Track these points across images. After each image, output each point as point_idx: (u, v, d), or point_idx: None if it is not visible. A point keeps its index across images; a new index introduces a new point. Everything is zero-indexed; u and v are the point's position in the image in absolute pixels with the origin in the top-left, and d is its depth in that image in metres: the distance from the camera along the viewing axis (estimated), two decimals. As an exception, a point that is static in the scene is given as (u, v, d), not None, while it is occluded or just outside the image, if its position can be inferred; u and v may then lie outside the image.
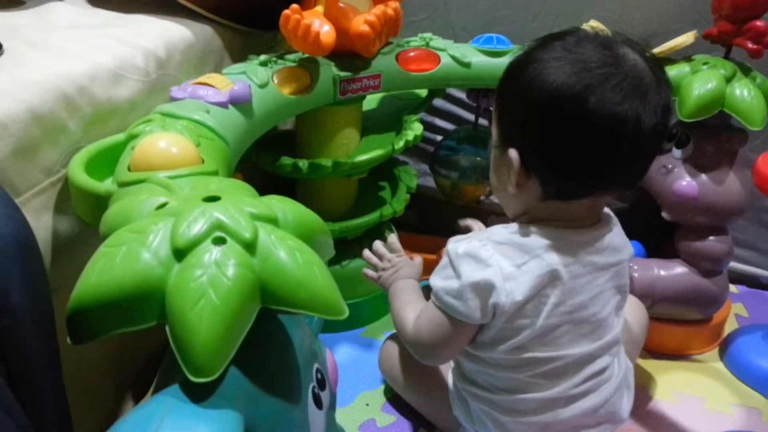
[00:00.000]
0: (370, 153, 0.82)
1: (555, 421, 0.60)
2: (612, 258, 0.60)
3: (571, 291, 0.57)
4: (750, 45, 0.79)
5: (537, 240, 0.56)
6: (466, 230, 0.76)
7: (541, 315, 0.56)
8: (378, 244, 0.76)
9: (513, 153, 0.55)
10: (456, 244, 0.57)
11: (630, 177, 0.57)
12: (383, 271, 0.73)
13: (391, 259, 0.74)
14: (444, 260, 0.59)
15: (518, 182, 0.56)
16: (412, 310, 0.64)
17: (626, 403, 0.65)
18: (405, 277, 0.71)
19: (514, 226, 0.58)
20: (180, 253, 0.34)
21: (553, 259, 0.56)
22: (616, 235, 0.61)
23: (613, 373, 0.63)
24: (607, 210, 0.62)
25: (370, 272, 0.75)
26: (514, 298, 0.55)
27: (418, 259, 0.75)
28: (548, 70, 0.52)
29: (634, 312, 0.76)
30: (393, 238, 0.77)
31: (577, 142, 0.52)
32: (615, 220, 0.63)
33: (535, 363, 0.58)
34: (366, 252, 0.76)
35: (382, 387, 0.81)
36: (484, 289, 0.55)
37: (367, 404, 0.79)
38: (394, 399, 0.79)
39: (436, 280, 0.59)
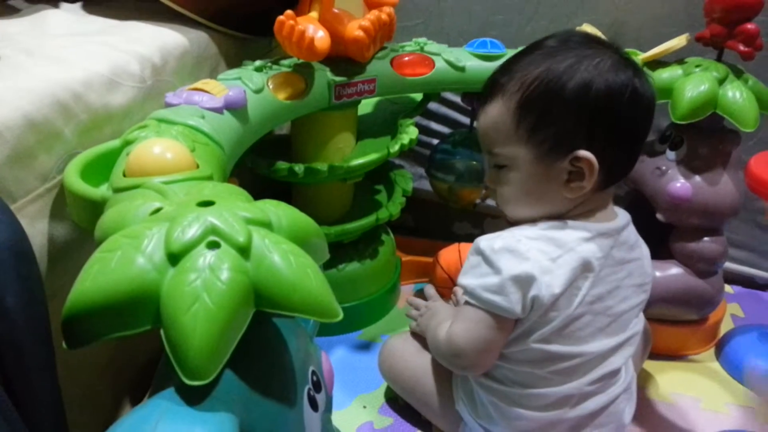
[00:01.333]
0: (366, 157, 0.82)
1: (561, 419, 0.61)
2: (629, 254, 0.62)
3: (594, 282, 0.58)
4: (742, 47, 0.79)
5: (569, 233, 0.58)
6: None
7: (571, 306, 0.57)
8: (412, 299, 0.78)
9: (587, 153, 0.57)
10: (490, 241, 0.58)
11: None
12: (421, 317, 0.74)
13: (428, 305, 0.75)
14: (475, 259, 0.59)
15: (588, 180, 0.58)
16: (443, 326, 0.64)
17: (629, 409, 0.66)
18: (442, 312, 0.71)
19: (542, 224, 0.59)
20: (174, 258, 0.34)
21: (587, 251, 0.58)
22: (632, 233, 0.63)
23: (621, 377, 0.63)
24: (617, 208, 0.64)
25: (413, 324, 0.76)
26: (552, 290, 0.56)
27: (459, 292, 0.71)
28: (585, 74, 0.56)
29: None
30: (428, 288, 0.79)
31: (635, 122, 0.58)
32: (629, 217, 0.64)
33: (557, 359, 0.59)
34: (408, 304, 0.78)
35: (379, 389, 0.81)
36: (525, 282, 0.56)
37: (365, 407, 0.79)
38: (391, 401, 0.79)
39: (469, 280, 0.59)
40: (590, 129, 0.57)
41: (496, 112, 0.60)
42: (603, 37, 0.86)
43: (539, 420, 0.61)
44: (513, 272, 0.56)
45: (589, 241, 0.58)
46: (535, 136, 0.58)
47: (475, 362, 0.61)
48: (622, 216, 0.63)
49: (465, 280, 0.60)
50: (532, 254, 0.56)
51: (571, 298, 0.57)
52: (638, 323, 0.64)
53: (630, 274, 0.62)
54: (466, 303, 0.60)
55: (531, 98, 0.57)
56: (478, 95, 0.93)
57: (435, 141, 1.04)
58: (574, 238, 0.58)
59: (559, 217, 0.60)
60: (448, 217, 1.17)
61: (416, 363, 0.73)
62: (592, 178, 0.57)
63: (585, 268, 0.57)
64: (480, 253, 0.59)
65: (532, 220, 0.61)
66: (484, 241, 0.59)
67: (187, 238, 0.35)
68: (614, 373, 0.62)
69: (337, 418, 0.76)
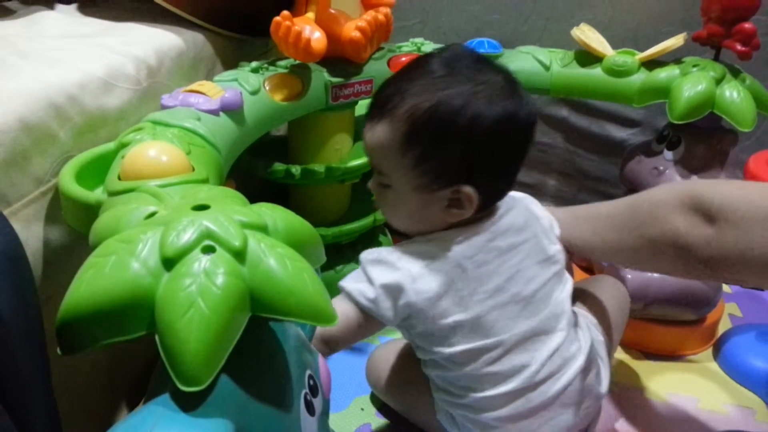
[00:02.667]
0: (363, 158, 0.82)
1: (529, 407, 0.61)
2: (518, 237, 0.63)
3: (480, 279, 0.60)
4: (739, 47, 0.79)
5: (440, 243, 0.60)
6: None
7: (461, 309, 0.59)
8: None
9: (469, 189, 0.58)
10: (367, 252, 0.61)
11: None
12: None
13: None
14: (358, 268, 0.62)
15: (469, 204, 0.59)
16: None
17: (604, 377, 0.67)
18: None
19: (416, 240, 0.62)
20: (169, 263, 0.34)
21: (457, 255, 0.59)
22: (517, 216, 0.64)
23: (576, 350, 0.64)
24: (513, 197, 0.66)
25: None
26: (424, 296, 0.58)
27: None
28: (475, 109, 0.56)
29: (610, 290, 0.76)
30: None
31: (516, 149, 0.60)
32: (511, 202, 0.65)
33: (475, 353, 0.60)
34: None
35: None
36: (395, 290, 0.58)
37: (362, 409, 0.79)
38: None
39: (348, 282, 0.61)
40: (474, 164, 0.58)
41: (383, 135, 0.59)
42: (599, 38, 0.86)
43: (511, 417, 0.62)
44: (382, 281, 0.58)
45: (460, 244, 0.60)
46: (420, 166, 0.59)
47: (335, 345, 0.63)
48: (503, 205, 0.64)
49: (343, 282, 0.62)
50: (402, 263, 0.59)
51: (456, 301, 0.59)
52: (561, 295, 0.65)
53: (527, 255, 0.63)
54: (342, 298, 0.61)
55: (420, 130, 0.57)
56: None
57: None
58: (444, 246, 0.60)
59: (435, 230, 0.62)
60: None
61: (400, 377, 0.73)
62: (471, 208, 0.60)
63: (458, 269, 0.59)
64: (359, 263, 0.62)
65: (420, 233, 0.63)
66: (364, 253, 0.62)
67: (182, 242, 0.35)
68: (558, 350, 0.62)
69: (334, 420, 0.76)
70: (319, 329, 0.62)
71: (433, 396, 0.69)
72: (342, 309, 0.60)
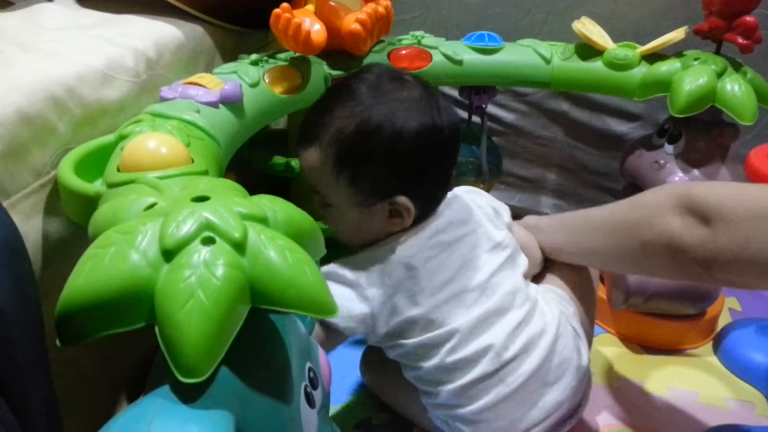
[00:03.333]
0: (363, 151, 0.81)
1: (508, 391, 0.62)
2: (460, 231, 0.65)
3: (428, 275, 0.62)
4: (740, 40, 0.79)
5: (384, 249, 0.63)
6: None
7: (412, 305, 0.62)
8: None
9: (403, 199, 0.62)
10: (326, 267, 0.64)
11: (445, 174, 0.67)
12: None
13: None
14: None
15: (396, 218, 0.63)
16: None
17: (582, 349, 0.67)
18: None
19: (356, 254, 0.65)
20: (169, 254, 0.34)
21: (401, 256, 0.62)
22: (458, 211, 0.67)
23: (543, 325, 0.65)
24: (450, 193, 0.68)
25: None
26: (376, 300, 0.62)
27: None
28: (396, 125, 0.60)
29: (569, 267, 0.76)
30: None
31: (442, 156, 0.64)
32: (453, 196, 0.68)
33: (433, 344, 0.62)
34: None
35: (377, 385, 0.81)
36: (350, 302, 0.62)
37: (363, 402, 0.79)
38: (389, 397, 0.79)
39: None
40: (403, 176, 0.62)
41: (315, 159, 0.63)
42: (600, 31, 0.86)
43: (494, 405, 0.62)
44: (334, 293, 0.60)
45: (402, 245, 0.63)
46: (354, 184, 0.62)
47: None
48: (442, 204, 0.66)
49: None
50: (353, 276, 0.62)
51: (408, 298, 0.62)
52: (513, 276, 0.67)
53: (475, 245, 0.65)
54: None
55: (347, 152, 0.61)
56: (476, 89, 0.93)
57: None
58: (388, 251, 0.63)
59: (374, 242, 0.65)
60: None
61: (392, 372, 0.72)
62: (410, 216, 0.63)
63: (407, 268, 0.62)
64: None
65: (364, 245, 0.65)
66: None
67: (182, 233, 0.34)
68: (522, 326, 0.63)
69: (335, 413, 0.76)
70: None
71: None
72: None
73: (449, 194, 0.68)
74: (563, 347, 0.65)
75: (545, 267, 0.75)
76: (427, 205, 0.65)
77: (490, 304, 0.63)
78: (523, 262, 0.69)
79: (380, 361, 0.75)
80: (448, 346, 0.62)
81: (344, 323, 0.62)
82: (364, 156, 0.61)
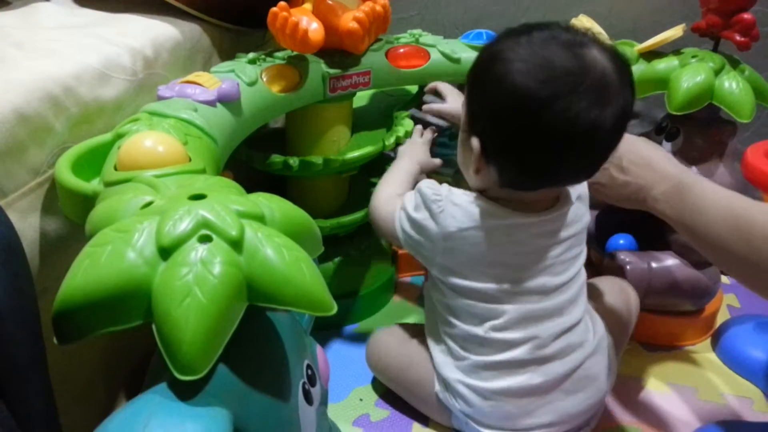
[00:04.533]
0: (361, 150, 0.81)
1: (531, 385, 0.63)
2: (565, 233, 0.64)
3: (516, 267, 0.62)
4: (738, 38, 0.79)
5: (486, 213, 0.61)
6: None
7: (484, 282, 0.62)
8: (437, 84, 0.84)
9: (475, 142, 0.59)
10: (425, 183, 0.64)
11: (583, 173, 0.61)
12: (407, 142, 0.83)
13: (414, 140, 0.83)
14: (416, 188, 0.66)
15: (478, 168, 0.61)
16: (390, 190, 0.73)
17: (609, 373, 0.68)
18: (414, 157, 0.79)
19: (474, 196, 0.62)
20: (165, 252, 0.34)
21: (498, 237, 0.61)
22: (572, 211, 0.64)
23: (584, 339, 0.65)
24: (571, 194, 0.65)
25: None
26: (447, 256, 0.62)
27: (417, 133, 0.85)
28: (515, 72, 0.54)
29: (619, 294, 0.77)
30: (442, 85, 0.85)
31: (534, 144, 0.55)
32: (574, 195, 0.65)
33: (488, 315, 0.63)
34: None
35: (375, 382, 0.81)
36: (425, 234, 0.63)
37: (361, 399, 0.79)
38: (387, 394, 0.79)
39: (406, 197, 0.67)
40: (485, 122, 0.58)
41: None
42: (598, 29, 0.86)
43: (512, 390, 0.63)
44: (420, 222, 0.63)
45: (500, 225, 0.61)
46: (469, 107, 0.61)
47: (379, 232, 0.72)
48: (563, 200, 0.64)
49: (406, 196, 0.67)
50: (442, 218, 0.62)
51: (490, 277, 0.62)
52: (579, 285, 0.66)
53: (567, 249, 0.64)
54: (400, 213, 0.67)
55: (473, 68, 0.60)
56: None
57: (431, 133, 1.03)
58: (486, 218, 0.61)
59: (492, 198, 0.62)
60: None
61: (401, 355, 0.74)
62: (474, 164, 0.60)
63: (489, 245, 0.61)
64: (417, 186, 0.65)
65: (476, 191, 0.64)
66: (424, 182, 0.65)
67: (179, 231, 0.35)
68: (570, 333, 0.64)
69: (333, 410, 0.76)
70: (372, 208, 0.72)
71: (431, 377, 0.69)
72: (391, 217, 0.68)
73: (573, 190, 0.65)
74: (592, 365, 0.66)
75: (592, 290, 0.74)
76: (517, 182, 0.60)
77: (551, 303, 0.63)
78: (584, 273, 0.68)
79: (387, 343, 0.76)
80: (494, 322, 0.62)
81: (411, 227, 0.65)
82: (471, 81, 0.60)
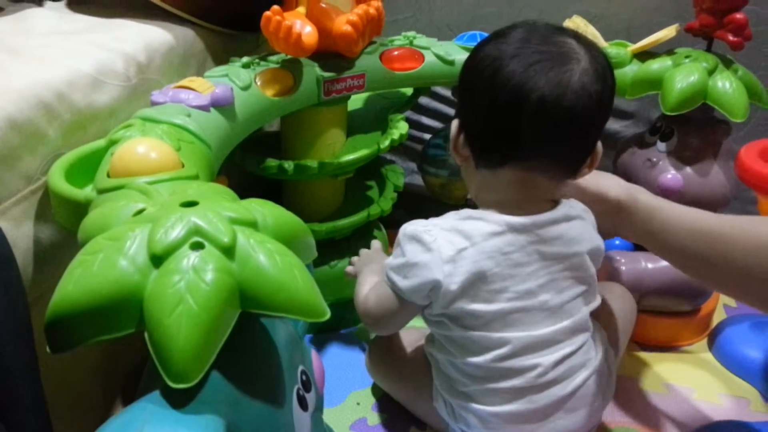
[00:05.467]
0: (356, 153, 0.81)
1: (532, 408, 0.61)
2: (565, 249, 0.61)
3: (513, 278, 0.59)
4: (731, 37, 0.79)
5: (479, 228, 0.59)
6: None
7: (485, 301, 0.59)
8: (363, 251, 0.79)
9: (454, 122, 0.62)
10: (407, 225, 0.62)
11: (554, 154, 0.58)
12: (358, 260, 0.77)
13: (365, 252, 0.78)
14: (397, 238, 0.63)
15: (455, 146, 0.62)
16: (368, 285, 0.67)
17: (608, 390, 0.67)
18: (377, 262, 0.73)
19: (463, 213, 0.61)
20: (157, 259, 0.34)
21: (492, 248, 0.58)
22: (575, 228, 0.62)
23: (586, 359, 0.64)
24: (573, 202, 0.64)
25: (350, 267, 0.77)
26: (452, 280, 0.58)
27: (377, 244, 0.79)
28: (484, 46, 0.58)
29: (619, 300, 0.76)
30: (375, 243, 0.80)
31: (486, 106, 0.57)
32: (580, 213, 0.63)
33: (491, 345, 0.60)
34: (353, 259, 0.79)
35: (373, 386, 0.81)
36: (422, 270, 0.58)
37: (358, 403, 0.79)
38: (385, 398, 0.79)
39: (390, 258, 0.64)
40: (460, 98, 0.62)
41: None
42: (592, 30, 0.86)
43: (511, 414, 0.62)
44: (413, 259, 0.59)
45: (497, 237, 0.58)
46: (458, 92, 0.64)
47: (379, 326, 0.67)
48: (562, 211, 0.61)
49: (389, 258, 0.64)
50: (437, 245, 0.58)
51: (481, 293, 0.59)
52: (584, 310, 0.64)
53: (568, 268, 0.62)
54: (386, 278, 0.63)
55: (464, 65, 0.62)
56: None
57: (426, 136, 1.04)
58: (481, 233, 0.58)
59: (483, 205, 0.62)
60: (440, 212, 1.16)
61: (400, 362, 0.73)
62: (452, 143, 0.62)
63: (491, 262, 0.58)
64: (398, 235, 0.63)
65: (473, 197, 0.65)
66: (405, 225, 0.62)
67: (171, 239, 0.35)
68: (569, 357, 0.62)
69: (330, 415, 0.76)
70: (360, 307, 0.66)
71: (432, 384, 0.69)
72: (382, 292, 0.63)
73: (579, 208, 0.64)
74: (593, 383, 0.64)
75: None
76: (484, 155, 0.60)
77: (553, 330, 0.61)
78: (597, 299, 0.66)
79: (388, 349, 0.76)
80: (496, 353, 0.60)
81: (416, 292, 0.60)
82: (462, 73, 0.61)
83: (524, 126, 0.55)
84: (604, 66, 0.56)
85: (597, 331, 0.68)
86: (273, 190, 0.91)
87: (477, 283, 0.58)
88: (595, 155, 0.60)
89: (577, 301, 0.63)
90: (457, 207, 1.01)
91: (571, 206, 0.63)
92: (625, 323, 0.75)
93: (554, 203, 0.62)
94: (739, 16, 0.78)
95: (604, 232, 0.66)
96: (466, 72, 0.60)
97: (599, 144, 0.60)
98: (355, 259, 0.78)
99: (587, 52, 0.55)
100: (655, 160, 0.85)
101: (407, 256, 0.59)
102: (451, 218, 0.61)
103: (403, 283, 0.60)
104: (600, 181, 0.65)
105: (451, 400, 0.66)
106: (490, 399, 0.62)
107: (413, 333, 0.76)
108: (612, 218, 0.64)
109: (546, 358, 0.61)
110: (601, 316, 0.72)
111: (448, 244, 0.58)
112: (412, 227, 0.60)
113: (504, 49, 0.56)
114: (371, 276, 0.69)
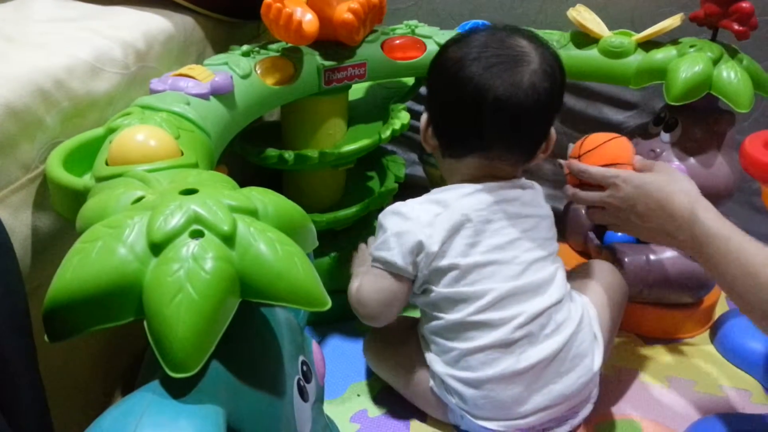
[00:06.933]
0: (357, 143, 0.81)
1: (518, 368, 0.63)
2: (526, 210, 0.67)
3: (483, 233, 0.65)
4: (736, 27, 0.78)
5: (450, 194, 0.66)
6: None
7: (461, 253, 0.64)
8: (361, 245, 0.80)
9: (423, 115, 0.69)
10: (386, 208, 0.68)
11: (508, 143, 0.66)
12: (356, 259, 0.78)
13: (361, 247, 0.79)
14: (378, 223, 0.68)
15: (425, 138, 0.70)
16: (358, 279, 0.70)
17: (596, 353, 0.68)
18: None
19: (435, 190, 0.68)
20: (157, 248, 0.34)
21: (464, 206, 0.65)
22: (528, 194, 0.69)
23: (566, 318, 0.66)
24: (530, 182, 0.71)
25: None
26: (433, 240, 0.63)
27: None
28: (446, 49, 0.67)
29: (603, 275, 0.76)
30: (372, 240, 0.80)
31: (451, 103, 0.65)
32: (532, 185, 0.71)
33: (471, 296, 0.64)
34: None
35: (373, 377, 0.81)
36: (406, 236, 0.64)
37: (359, 395, 0.79)
38: (385, 389, 0.79)
39: (373, 244, 0.68)
40: (429, 93, 0.70)
41: None
42: (596, 18, 0.85)
43: (498, 378, 0.63)
44: (395, 229, 0.65)
45: (467, 196, 0.65)
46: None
47: (376, 313, 0.68)
48: (522, 185, 0.69)
49: (373, 244, 0.69)
50: (415, 213, 0.65)
51: (456, 247, 0.64)
52: (554, 269, 0.68)
53: (532, 229, 0.67)
54: (372, 262, 0.67)
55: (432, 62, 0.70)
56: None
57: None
58: (453, 196, 0.65)
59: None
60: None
61: (397, 353, 0.74)
62: (425, 137, 0.70)
63: (463, 218, 0.64)
64: (379, 218, 0.68)
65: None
66: (383, 211, 0.68)
67: (170, 227, 0.34)
68: (543, 312, 0.64)
69: (330, 406, 0.76)
70: (353, 297, 0.68)
71: (427, 370, 0.69)
72: (372, 275, 0.67)
73: (531, 185, 0.70)
74: (581, 342, 0.66)
75: (577, 272, 0.77)
76: (450, 146, 0.68)
77: (529, 280, 0.65)
78: (562, 265, 0.70)
79: (384, 341, 0.76)
80: (477, 304, 0.64)
81: (402, 258, 0.64)
82: (429, 72, 0.69)
83: (484, 120, 0.63)
84: (553, 66, 0.64)
85: (577, 295, 0.71)
86: (273, 180, 0.91)
87: (453, 237, 0.64)
88: (548, 141, 0.69)
89: (546, 261, 0.67)
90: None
91: (530, 183, 0.71)
92: (612, 293, 0.75)
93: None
94: (744, 5, 0.77)
95: (661, 235, 0.67)
96: (433, 71, 0.68)
97: (552, 130, 0.69)
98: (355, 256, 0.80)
99: (539, 53, 0.63)
100: (658, 150, 0.85)
101: (389, 230, 0.65)
102: (423, 197, 0.67)
103: (389, 254, 0.64)
104: (666, 187, 0.66)
105: (444, 375, 0.67)
106: (477, 360, 0.64)
107: (407, 320, 0.77)
108: (669, 225, 0.65)
109: (524, 306, 0.64)
110: (586, 288, 0.74)
111: (425, 212, 0.65)
112: (389, 206, 0.67)
113: (466, 53, 0.63)
114: (361, 269, 0.72)
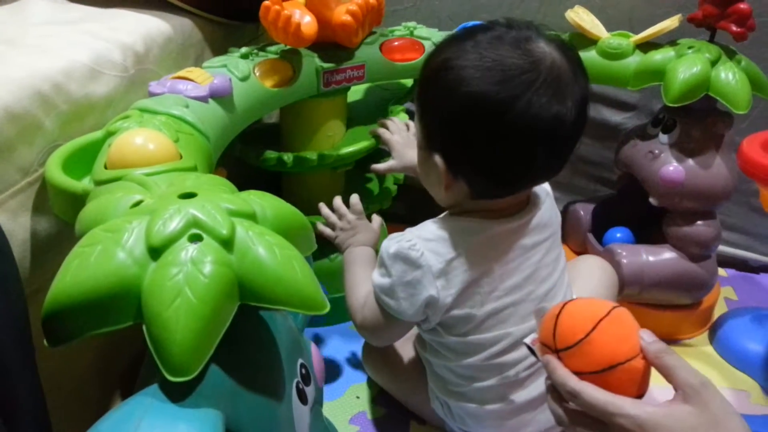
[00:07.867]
0: (356, 145, 0.81)
1: (529, 398, 0.62)
2: (540, 236, 0.61)
3: (502, 276, 0.59)
4: (734, 28, 0.78)
5: (465, 235, 0.58)
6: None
7: (478, 304, 0.58)
8: (338, 202, 0.74)
9: (438, 159, 0.56)
10: (388, 243, 0.59)
11: (552, 171, 0.58)
12: (341, 231, 0.72)
13: (350, 220, 0.72)
14: (379, 259, 0.61)
15: (447, 184, 0.57)
16: (363, 291, 0.65)
17: None
18: (362, 244, 0.70)
19: (442, 221, 0.59)
20: (155, 252, 0.34)
21: (482, 252, 0.58)
22: (545, 212, 0.62)
23: None
24: (541, 190, 0.63)
25: (327, 230, 0.73)
26: (447, 293, 0.57)
27: (377, 222, 0.74)
28: (467, 79, 0.52)
29: (595, 271, 0.76)
30: (355, 198, 0.75)
31: (500, 149, 0.53)
32: (543, 195, 0.63)
33: (486, 344, 0.60)
34: (324, 209, 0.74)
35: (372, 380, 0.81)
36: (416, 287, 0.57)
37: (358, 397, 0.79)
38: (384, 391, 0.79)
39: (374, 275, 0.61)
40: (444, 136, 0.55)
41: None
42: (594, 20, 0.85)
43: (509, 410, 0.62)
44: (403, 279, 0.58)
45: (485, 241, 0.58)
46: (422, 121, 0.58)
47: (380, 343, 0.68)
48: (533, 202, 0.61)
49: (373, 273, 0.62)
50: (425, 260, 0.57)
51: (474, 297, 0.58)
52: (564, 289, 0.64)
53: (546, 252, 0.61)
54: (376, 299, 0.62)
55: (421, 81, 0.57)
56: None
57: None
58: (469, 239, 0.58)
59: (463, 212, 0.60)
60: (439, 205, 1.16)
61: (393, 363, 0.73)
62: (443, 181, 0.57)
63: (483, 269, 0.58)
64: (380, 253, 0.60)
65: (447, 208, 0.62)
66: (386, 242, 0.60)
67: (169, 231, 0.34)
68: None
69: (330, 408, 0.76)
70: (357, 320, 0.65)
71: (427, 385, 0.69)
72: (376, 310, 0.62)
73: (542, 190, 0.63)
74: None
75: (571, 270, 0.72)
76: (490, 190, 0.57)
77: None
78: (566, 269, 0.66)
79: (383, 350, 0.75)
80: (491, 350, 0.60)
81: (412, 310, 0.58)
82: (421, 93, 0.57)
83: (540, 156, 0.54)
84: (582, 69, 0.55)
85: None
86: (272, 182, 0.91)
87: (470, 289, 0.58)
88: None
89: (559, 284, 0.63)
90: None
91: (536, 192, 0.62)
92: (602, 289, 0.74)
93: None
94: (742, 6, 0.78)
95: None
96: (465, 116, 0.53)
97: None
98: (331, 216, 0.73)
99: (563, 56, 0.53)
100: (657, 152, 0.85)
101: (396, 276, 0.58)
102: (431, 227, 0.59)
103: (396, 305, 0.59)
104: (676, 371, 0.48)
105: (448, 401, 0.66)
106: (486, 397, 0.62)
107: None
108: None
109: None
110: (582, 289, 0.71)
111: (435, 257, 0.57)
112: (395, 245, 0.58)
113: (510, 94, 0.51)
114: (362, 271, 0.67)
